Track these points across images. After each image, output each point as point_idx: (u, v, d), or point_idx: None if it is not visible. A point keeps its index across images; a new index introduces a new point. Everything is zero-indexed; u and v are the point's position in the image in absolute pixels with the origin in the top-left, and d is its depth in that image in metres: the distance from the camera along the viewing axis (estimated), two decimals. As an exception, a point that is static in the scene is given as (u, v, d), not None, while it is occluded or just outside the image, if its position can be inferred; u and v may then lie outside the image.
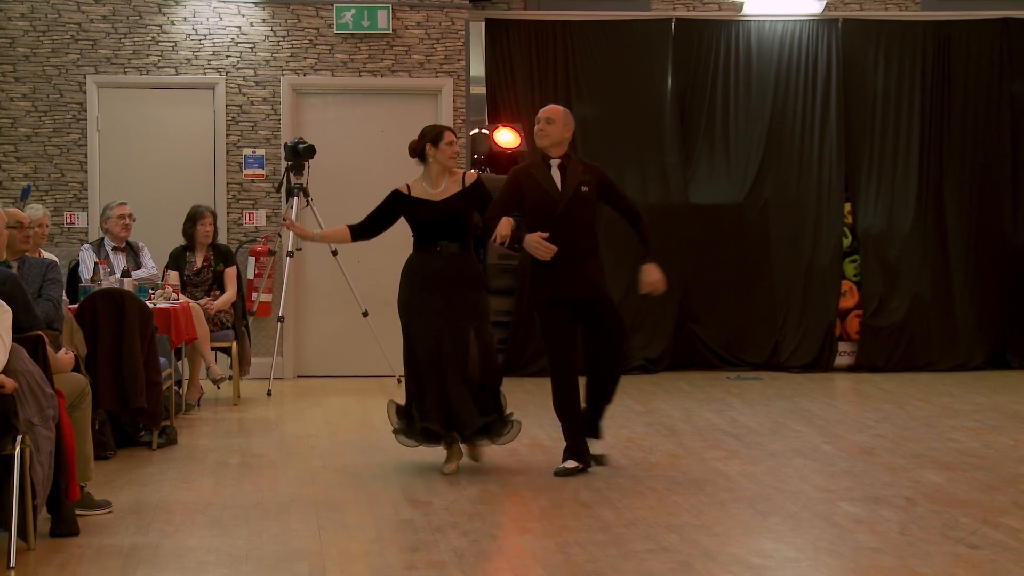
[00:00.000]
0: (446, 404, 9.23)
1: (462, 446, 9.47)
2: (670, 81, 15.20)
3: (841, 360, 15.20)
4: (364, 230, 9.86)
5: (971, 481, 9.22)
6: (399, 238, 14.66)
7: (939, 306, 15.31)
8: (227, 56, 14.54)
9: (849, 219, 15.28)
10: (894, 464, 9.80)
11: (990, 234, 15.37)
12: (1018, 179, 15.35)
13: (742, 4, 15.32)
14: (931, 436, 11.01)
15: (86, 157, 14.40)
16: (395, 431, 9.60)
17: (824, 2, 15.38)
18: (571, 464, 9.21)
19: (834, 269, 15.14)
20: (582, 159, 9.66)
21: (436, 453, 9.59)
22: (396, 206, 9.67)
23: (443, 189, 9.51)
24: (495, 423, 9.37)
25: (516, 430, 9.49)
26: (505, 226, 9.07)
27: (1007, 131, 15.47)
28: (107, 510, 8.26)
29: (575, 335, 9.30)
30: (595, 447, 9.46)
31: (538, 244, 9.00)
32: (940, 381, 14.30)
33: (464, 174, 9.61)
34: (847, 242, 15.28)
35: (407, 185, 9.64)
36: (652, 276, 9.33)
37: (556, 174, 9.28)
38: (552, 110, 9.47)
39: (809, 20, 15.38)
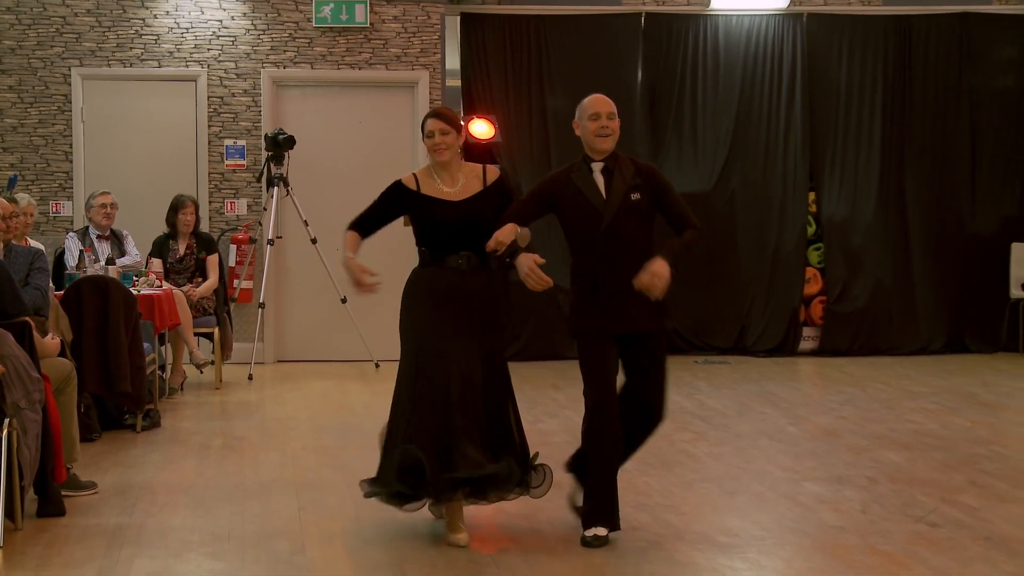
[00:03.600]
0: (446, 443, 6.97)
1: (448, 535, 7.16)
2: (640, 74, 15.21)
3: (805, 344, 15.24)
4: (365, 229, 7.54)
5: (930, 461, 9.26)
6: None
7: (900, 292, 15.37)
8: (209, 49, 14.50)
9: (813, 208, 15.31)
10: (856, 445, 9.84)
11: (949, 222, 15.42)
12: (976, 169, 15.40)
13: (709, 0, 15.36)
14: (892, 418, 11.05)
15: (71, 147, 14.35)
16: (369, 494, 7.40)
17: (789, -3, 15.42)
18: (601, 531, 7.02)
19: (799, 256, 15.18)
20: (632, 157, 7.39)
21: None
22: (399, 202, 7.41)
23: (460, 187, 7.31)
24: (511, 472, 7.08)
25: (548, 479, 7.31)
26: (507, 233, 6.98)
27: (966, 123, 15.51)
28: (92, 491, 8.26)
29: (617, 365, 7.15)
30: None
31: (529, 271, 6.92)
32: (900, 364, 14.35)
33: (484, 169, 7.42)
34: (811, 230, 15.31)
35: (413, 176, 7.40)
36: (657, 268, 6.93)
37: (600, 179, 7.17)
38: (610, 102, 7.30)
39: (775, 15, 15.39)
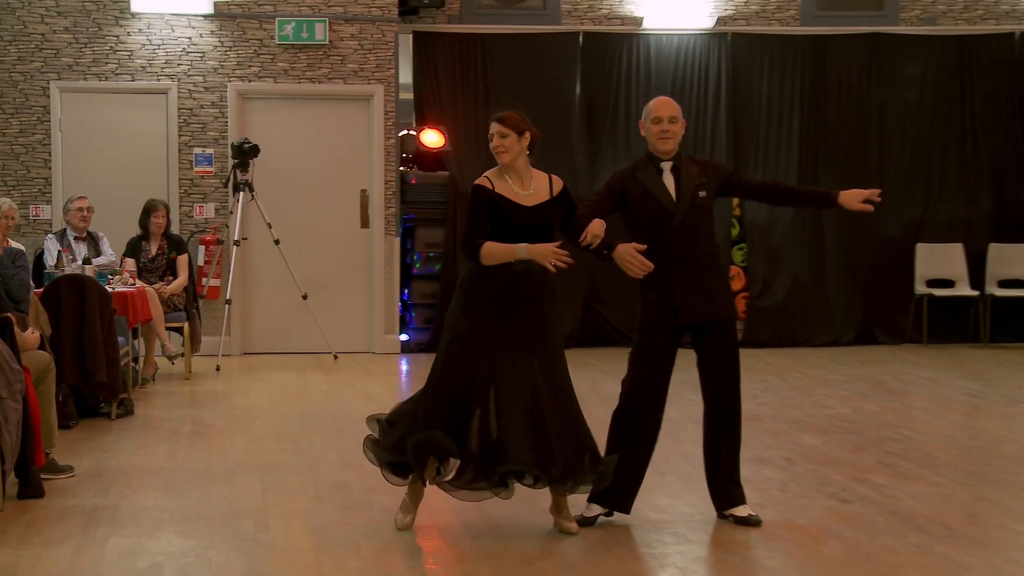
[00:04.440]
0: (486, 437, 6.66)
1: (559, 521, 6.92)
2: (578, 88, 15.22)
3: (730, 337, 15.28)
4: (485, 237, 6.83)
5: (842, 443, 9.32)
6: (333, 221, 14.70)
7: (815, 289, 15.45)
8: (179, 64, 14.41)
9: (737, 211, 15.36)
10: (776, 429, 9.88)
11: (860, 224, 15.49)
12: (884, 176, 15.47)
13: (642, 19, 15.36)
14: (808, 404, 11.11)
15: (50, 155, 14.23)
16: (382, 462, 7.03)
17: (715, 18, 15.45)
18: (595, 510, 7.04)
19: (724, 255, 15.21)
20: (692, 156, 7.30)
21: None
22: (486, 205, 6.88)
23: (532, 192, 6.91)
24: (582, 465, 6.77)
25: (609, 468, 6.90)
26: (598, 226, 6.73)
27: (875, 133, 15.61)
28: (70, 474, 8.21)
29: (671, 360, 7.14)
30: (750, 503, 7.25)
31: (632, 258, 6.75)
32: (816, 355, 14.43)
33: (551, 178, 6.99)
34: (735, 231, 15.36)
35: (487, 178, 6.94)
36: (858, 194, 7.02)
37: (669, 179, 7.01)
38: (673, 105, 7.14)
39: (702, 34, 15.44)
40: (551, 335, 6.87)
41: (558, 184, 6.99)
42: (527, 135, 6.96)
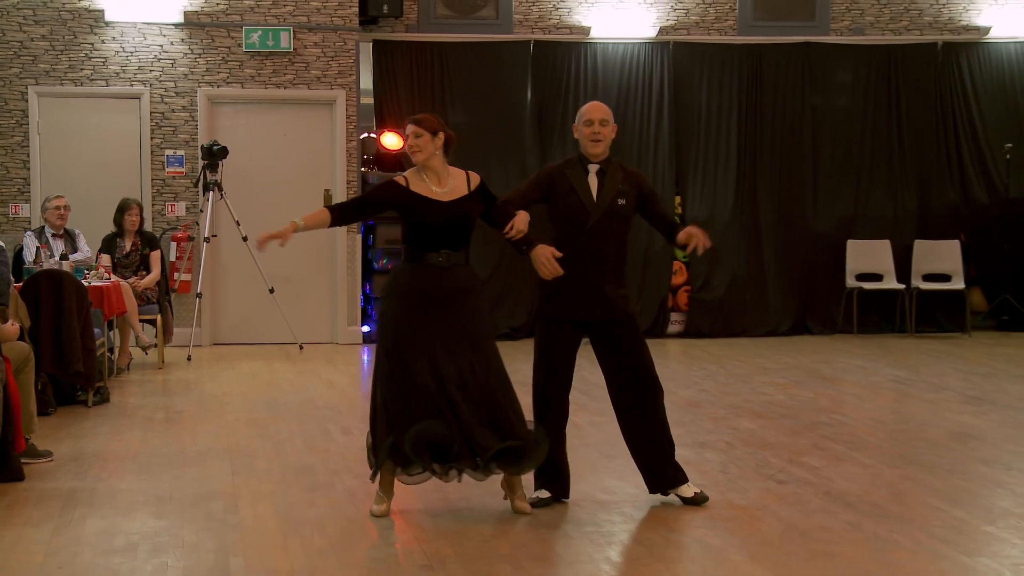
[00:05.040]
0: (451, 433, 6.61)
1: (513, 501, 6.93)
2: (529, 93, 15.21)
3: (673, 328, 15.34)
4: (343, 215, 7.13)
5: (779, 427, 9.36)
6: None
7: (753, 282, 15.50)
8: (151, 70, 14.32)
9: (679, 210, 15.40)
10: (716, 414, 9.92)
11: (794, 222, 15.59)
12: (817, 177, 15.57)
13: (589, 29, 15.37)
14: (746, 390, 11.15)
15: (28, 157, 14.10)
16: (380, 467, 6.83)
17: (658, 28, 15.49)
18: (544, 494, 7.04)
19: (667, 252, 15.23)
20: (623, 164, 7.27)
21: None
22: (389, 199, 6.98)
23: (450, 189, 6.89)
24: (523, 448, 6.77)
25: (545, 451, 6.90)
26: (523, 221, 6.70)
27: (808, 137, 15.68)
28: (49, 459, 8.16)
29: (574, 355, 7.11)
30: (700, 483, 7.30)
31: (547, 261, 6.71)
32: (754, 345, 14.49)
33: (468, 175, 6.99)
34: (677, 229, 15.39)
35: (404, 177, 6.94)
36: (693, 231, 7.04)
37: (593, 180, 7.00)
38: (604, 109, 7.14)
39: (645, 43, 15.46)
40: (479, 324, 6.85)
41: (475, 179, 6.97)
42: (441, 136, 6.94)
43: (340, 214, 7.06)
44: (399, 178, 6.94)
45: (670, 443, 7.09)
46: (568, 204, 6.97)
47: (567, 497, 7.09)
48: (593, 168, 7.02)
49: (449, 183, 6.91)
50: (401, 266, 6.99)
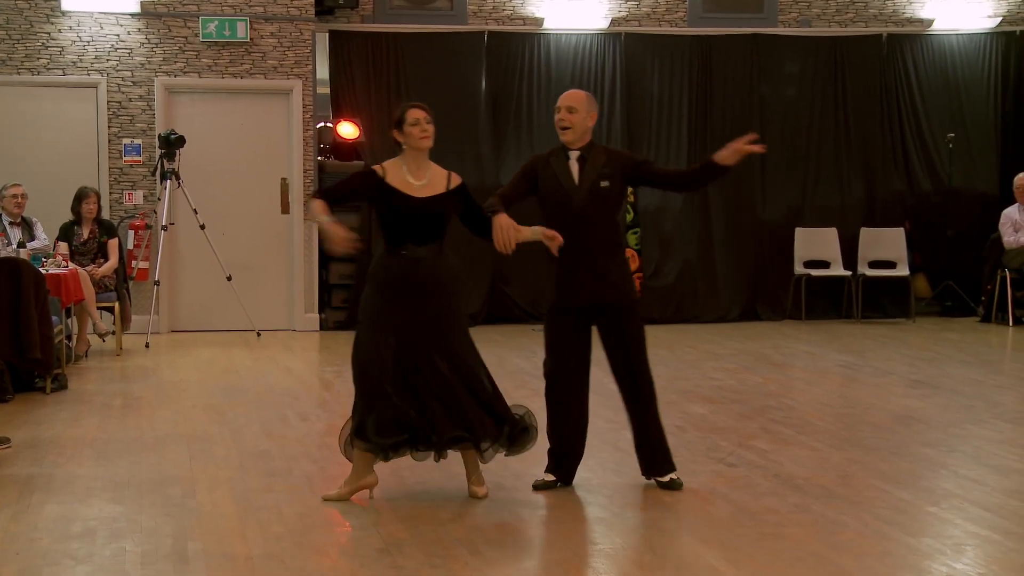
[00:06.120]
0: (409, 417, 6.60)
1: (469, 486, 6.88)
2: (484, 83, 15.19)
3: (624, 314, 15.37)
4: (329, 199, 6.74)
5: (729, 412, 9.40)
6: (255, 207, 14.57)
7: (703, 269, 15.57)
8: (108, 60, 14.20)
9: (632, 198, 15.41)
10: (667, 399, 9.90)
11: (744, 210, 15.65)
12: (766, 166, 15.61)
13: (543, 20, 15.36)
14: (697, 376, 11.19)
15: (-14, 145, 14.00)
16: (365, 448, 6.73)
17: (609, 19, 15.50)
18: (549, 477, 7.06)
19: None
20: (607, 147, 7.23)
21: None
22: (365, 188, 6.81)
23: (426, 183, 6.78)
24: (475, 440, 6.75)
25: (533, 436, 6.97)
26: (510, 234, 6.77)
27: (757, 127, 15.58)
28: (7, 445, 8.08)
29: (581, 341, 7.01)
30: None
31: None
32: (704, 331, 14.54)
33: (449, 175, 6.87)
34: (630, 217, 15.40)
35: (382, 167, 6.80)
36: (733, 146, 7.04)
37: (575, 166, 6.91)
38: (573, 96, 6.99)
39: (598, 34, 15.47)
40: (456, 315, 6.81)
41: (456, 180, 6.87)
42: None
43: (329, 199, 6.76)
44: (377, 167, 6.83)
45: (651, 427, 7.11)
46: (552, 190, 6.94)
47: (568, 483, 7.08)
48: (574, 154, 6.95)
49: (427, 176, 6.81)
50: (380, 254, 6.84)
